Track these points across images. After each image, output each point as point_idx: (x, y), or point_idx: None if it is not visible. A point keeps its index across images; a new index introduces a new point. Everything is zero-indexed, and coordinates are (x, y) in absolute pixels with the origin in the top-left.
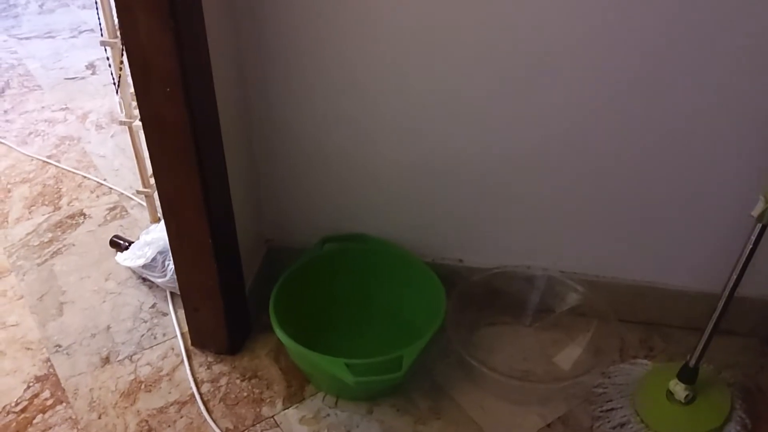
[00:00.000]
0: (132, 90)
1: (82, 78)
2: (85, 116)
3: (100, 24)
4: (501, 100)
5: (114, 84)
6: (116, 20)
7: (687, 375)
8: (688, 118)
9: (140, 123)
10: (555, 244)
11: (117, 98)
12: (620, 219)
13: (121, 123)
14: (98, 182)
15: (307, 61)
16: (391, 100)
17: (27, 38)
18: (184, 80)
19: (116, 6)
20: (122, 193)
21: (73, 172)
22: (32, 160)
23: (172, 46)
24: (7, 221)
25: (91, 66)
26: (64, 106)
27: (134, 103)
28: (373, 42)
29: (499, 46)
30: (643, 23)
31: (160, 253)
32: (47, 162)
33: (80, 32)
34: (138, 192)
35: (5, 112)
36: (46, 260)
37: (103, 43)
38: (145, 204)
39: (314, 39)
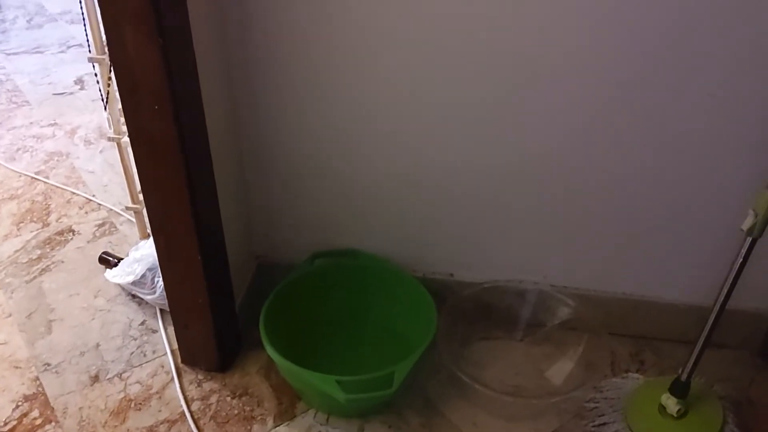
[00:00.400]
0: (120, 106)
1: (71, 93)
2: (73, 132)
3: (87, 40)
4: (492, 115)
5: (102, 100)
6: (104, 36)
7: (679, 389)
8: (678, 133)
9: (129, 139)
10: (546, 258)
11: (105, 114)
12: (611, 233)
13: (110, 139)
14: (87, 198)
15: (296, 74)
16: (381, 115)
17: (15, 53)
18: (172, 96)
19: (104, 22)
20: (111, 209)
21: (62, 188)
22: (20, 176)
23: (160, 63)
24: None
25: (79, 81)
26: (52, 122)
27: (123, 119)
28: (364, 55)
29: (488, 62)
30: (632, 44)
31: (149, 269)
32: (35, 178)
33: (69, 47)
34: (127, 208)
35: None
36: (34, 277)
37: (91, 60)
38: (134, 220)
39: (304, 52)
